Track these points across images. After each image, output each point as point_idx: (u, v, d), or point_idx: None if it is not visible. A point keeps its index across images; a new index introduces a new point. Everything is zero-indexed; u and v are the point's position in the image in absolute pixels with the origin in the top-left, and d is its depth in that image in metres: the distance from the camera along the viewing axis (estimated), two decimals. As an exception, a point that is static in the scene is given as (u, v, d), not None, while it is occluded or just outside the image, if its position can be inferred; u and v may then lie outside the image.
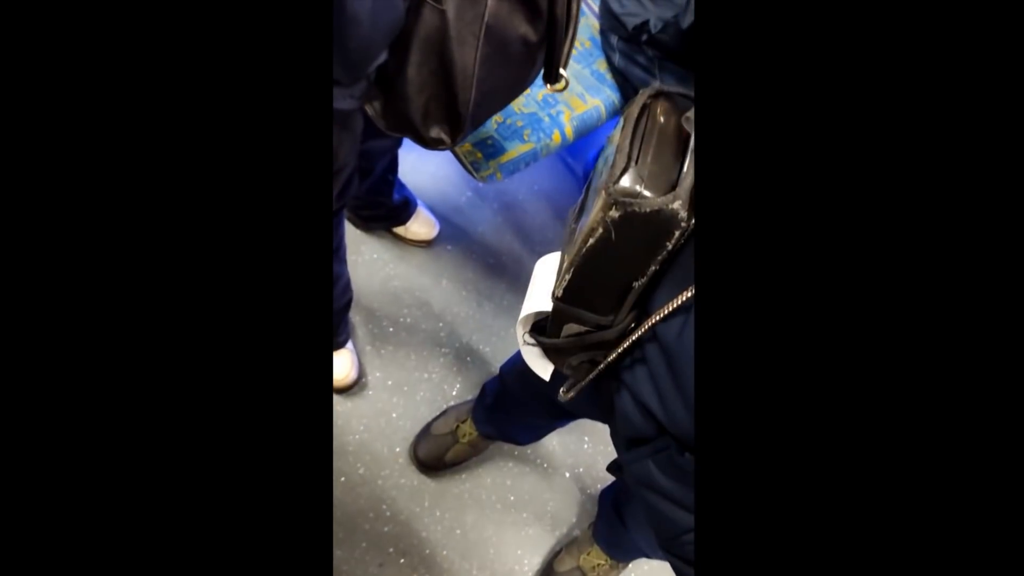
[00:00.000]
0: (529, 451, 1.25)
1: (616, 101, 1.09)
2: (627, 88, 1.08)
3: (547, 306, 0.56)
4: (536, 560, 1.18)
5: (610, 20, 1.05)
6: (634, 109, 0.49)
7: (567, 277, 0.51)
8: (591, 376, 0.57)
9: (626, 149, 0.46)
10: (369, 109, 0.79)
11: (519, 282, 1.40)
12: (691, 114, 0.49)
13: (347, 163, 0.88)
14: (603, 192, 0.46)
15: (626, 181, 0.45)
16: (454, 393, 1.27)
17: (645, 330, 0.49)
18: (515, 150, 1.01)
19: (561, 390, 0.63)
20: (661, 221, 0.45)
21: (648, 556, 1.02)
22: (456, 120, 0.75)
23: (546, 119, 1.04)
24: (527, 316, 0.60)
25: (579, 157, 1.53)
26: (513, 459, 1.24)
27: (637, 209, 0.44)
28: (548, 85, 0.83)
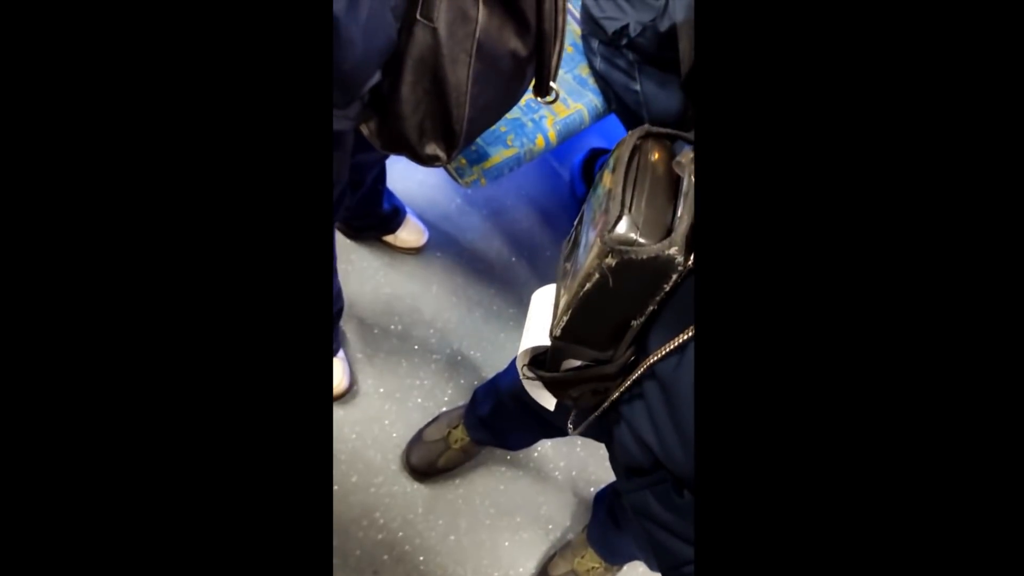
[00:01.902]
0: (522, 455, 1.25)
1: (598, 105, 1.10)
2: (608, 92, 1.09)
3: (545, 341, 0.57)
4: (531, 565, 1.18)
5: (591, 25, 1.06)
6: (624, 151, 0.50)
7: (565, 318, 0.52)
8: (596, 414, 0.58)
9: (619, 196, 0.47)
10: (364, 129, 0.80)
11: (508, 287, 1.41)
12: (682, 157, 0.49)
13: (339, 180, 0.91)
14: (599, 240, 0.46)
15: (622, 228, 0.46)
16: (446, 399, 1.27)
17: (644, 369, 0.50)
18: (499, 155, 1.02)
19: (569, 425, 0.63)
20: (658, 266, 0.45)
21: (642, 560, 1.02)
22: (451, 137, 0.76)
23: (529, 124, 1.05)
24: (527, 351, 0.61)
25: (565, 160, 1.54)
26: (506, 464, 1.24)
27: (634, 256, 0.45)
28: (539, 98, 0.84)
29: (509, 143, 1.03)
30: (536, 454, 1.26)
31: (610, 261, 0.46)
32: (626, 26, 0.99)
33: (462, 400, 1.26)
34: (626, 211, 0.46)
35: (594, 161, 1.49)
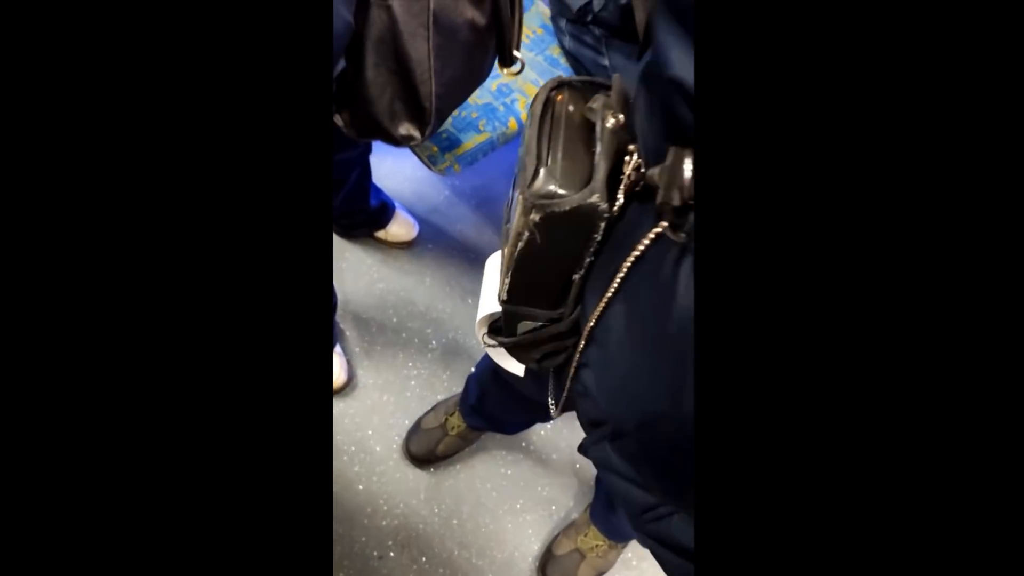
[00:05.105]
0: (522, 439, 1.26)
1: (571, 84, 1.10)
2: (580, 70, 1.09)
3: (498, 307, 0.57)
4: (535, 545, 1.18)
5: (557, 4, 1.07)
6: (537, 106, 0.49)
7: (507, 280, 0.52)
8: (568, 385, 0.57)
9: (534, 150, 0.46)
10: (338, 119, 0.81)
11: (502, 274, 1.41)
12: (593, 103, 0.49)
13: None
14: (521, 197, 0.46)
15: (540, 182, 0.45)
16: (443, 387, 1.28)
17: (584, 335, 0.50)
18: (471, 141, 1.03)
19: (551, 410, 0.64)
20: (583, 216, 0.45)
21: None
22: (422, 114, 0.77)
23: (501, 108, 1.06)
24: (483, 319, 0.61)
25: (553, 146, 1.54)
26: (506, 448, 1.25)
27: (556, 209, 0.44)
28: (505, 70, 0.84)
29: (481, 128, 1.04)
30: (536, 437, 1.27)
31: (534, 217, 0.45)
32: (590, 3, 1.00)
33: (458, 388, 1.27)
34: (543, 164, 0.45)
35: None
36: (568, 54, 1.10)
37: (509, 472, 1.23)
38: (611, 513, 1.08)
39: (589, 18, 1.01)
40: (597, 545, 1.14)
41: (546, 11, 1.14)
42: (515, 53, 0.83)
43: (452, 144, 1.02)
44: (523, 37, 1.14)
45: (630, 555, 1.19)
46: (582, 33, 1.05)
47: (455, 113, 1.05)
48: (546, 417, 1.07)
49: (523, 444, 1.26)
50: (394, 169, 1.47)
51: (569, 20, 1.06)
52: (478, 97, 1.06)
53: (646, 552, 1.20)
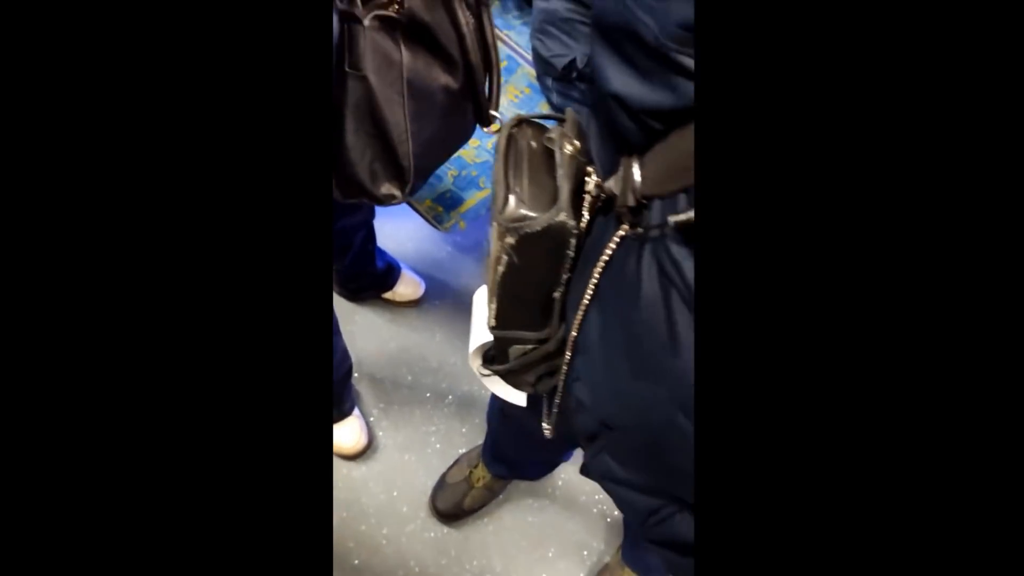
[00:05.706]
0: (547, 485, 1.26)
1: (562, 137, 1.16)
2: (569, 123, 1.15)
3: (489, 336, 0.59)
4: (570, 593, 1.17)
5: (542, 65, 1.13)
6: (501, 141, 0.53)
7: (493, 306, 0.55)
8: (558, 401, 0.60)
9: (502, 180, 0.50)
10: None
11: (510, 323, 1.44)
12: (551, 133, 0.53)
13: None
14: (495, 224, 0.50)
15: (511, 207, 0.48)
16: (463, 441, 1.29)
17: (569, 347, 0.53)
18: (473, 198, 1.08)
19: (545, 431, 0.65)
20: (553, 234, 0.48)
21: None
22: (401, 173, 0.80)
23: (499, 165, 1.11)
24: (476, 350, 0.63)
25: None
26: (532, 496, 1.25)
27: (528, 230, 0.48)
28: (485, 129, 0.89)
29: (482, 185, 1.09)
30: (560, 482, 1.27)
31: (510, 240, 0.48)
32: (573, 60, 1.06)
33: (478, 440, 1.28)
34: (511, 191, 0.48)
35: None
36: (557, 110, 1.16)
37: (537, 520, 1.23)
38: (642, 552, 1.08)
39: (574, 75, 1.07)
40: (632, 586, 1.13)
41: (532, 72, 1.21)
42: (493, 113, 0.88)
43: (456, 203, 1.06)
44: (512, 97, 1.21)
45: (667, 594, 1.17)
46: (568, 89, 1.11)
47: (455, 173, 1.10)
48: (565, 454, 1.07)
49: (548, 491, 1.26)
50: (397, 231, 1.51)
51: (555, 78, 1.12)
52: (476, 157, 1.12)
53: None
